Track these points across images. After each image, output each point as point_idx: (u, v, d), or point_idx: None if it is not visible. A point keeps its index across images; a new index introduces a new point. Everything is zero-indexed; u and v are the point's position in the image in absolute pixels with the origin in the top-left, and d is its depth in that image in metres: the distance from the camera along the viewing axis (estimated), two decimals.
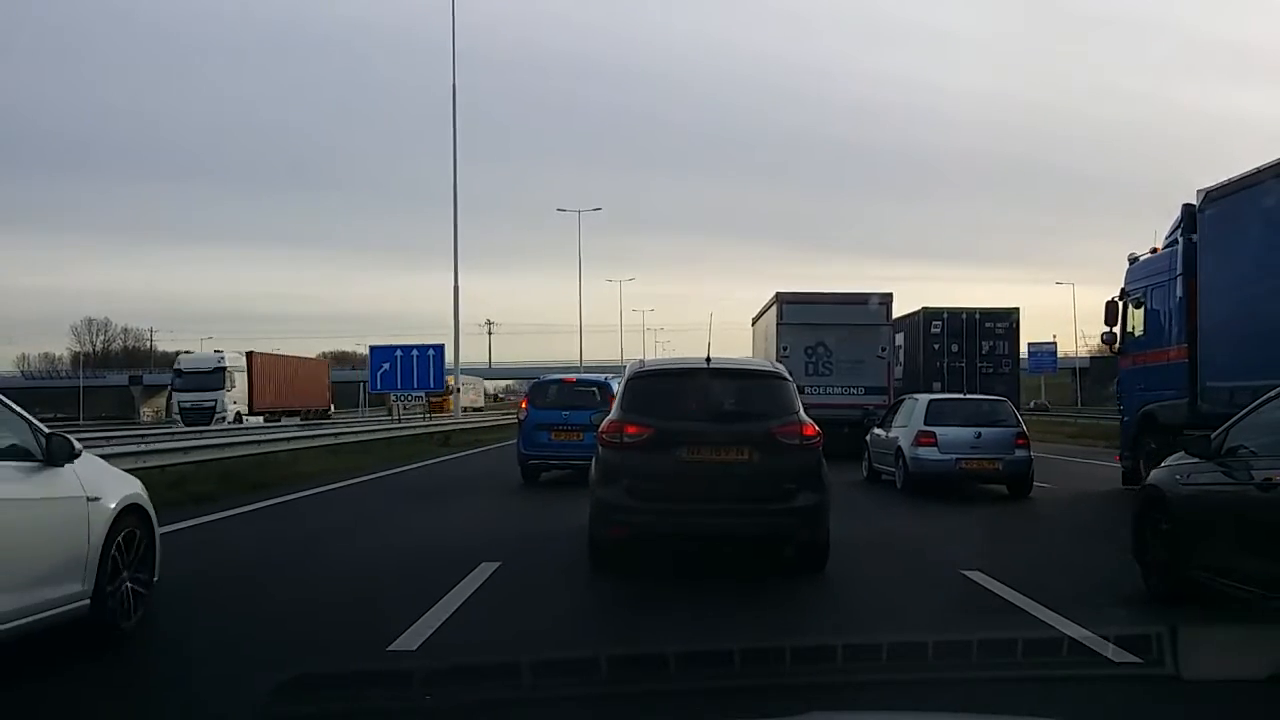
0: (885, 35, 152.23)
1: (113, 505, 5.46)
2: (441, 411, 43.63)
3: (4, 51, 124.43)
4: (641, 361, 9.35)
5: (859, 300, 22.23)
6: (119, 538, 5.44)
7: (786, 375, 8.44)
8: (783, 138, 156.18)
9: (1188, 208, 13.65)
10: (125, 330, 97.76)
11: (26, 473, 4.99)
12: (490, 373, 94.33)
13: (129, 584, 5.51)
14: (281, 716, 3.72)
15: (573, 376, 18.92)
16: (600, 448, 7.89)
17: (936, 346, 24.23)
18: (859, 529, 9.98)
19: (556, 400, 15.90)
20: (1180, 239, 13.99)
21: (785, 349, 21.53)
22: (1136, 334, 15.56)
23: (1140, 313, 15.45)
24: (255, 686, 4.13)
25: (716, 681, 4.14)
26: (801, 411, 7.88)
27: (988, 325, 24.39)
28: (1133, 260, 15.95)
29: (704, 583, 7.47)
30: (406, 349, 31.77)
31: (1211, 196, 13.07)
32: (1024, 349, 37.14)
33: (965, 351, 24.12)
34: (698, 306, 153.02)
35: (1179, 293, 13.94)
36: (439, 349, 32.11)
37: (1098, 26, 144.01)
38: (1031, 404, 50.75)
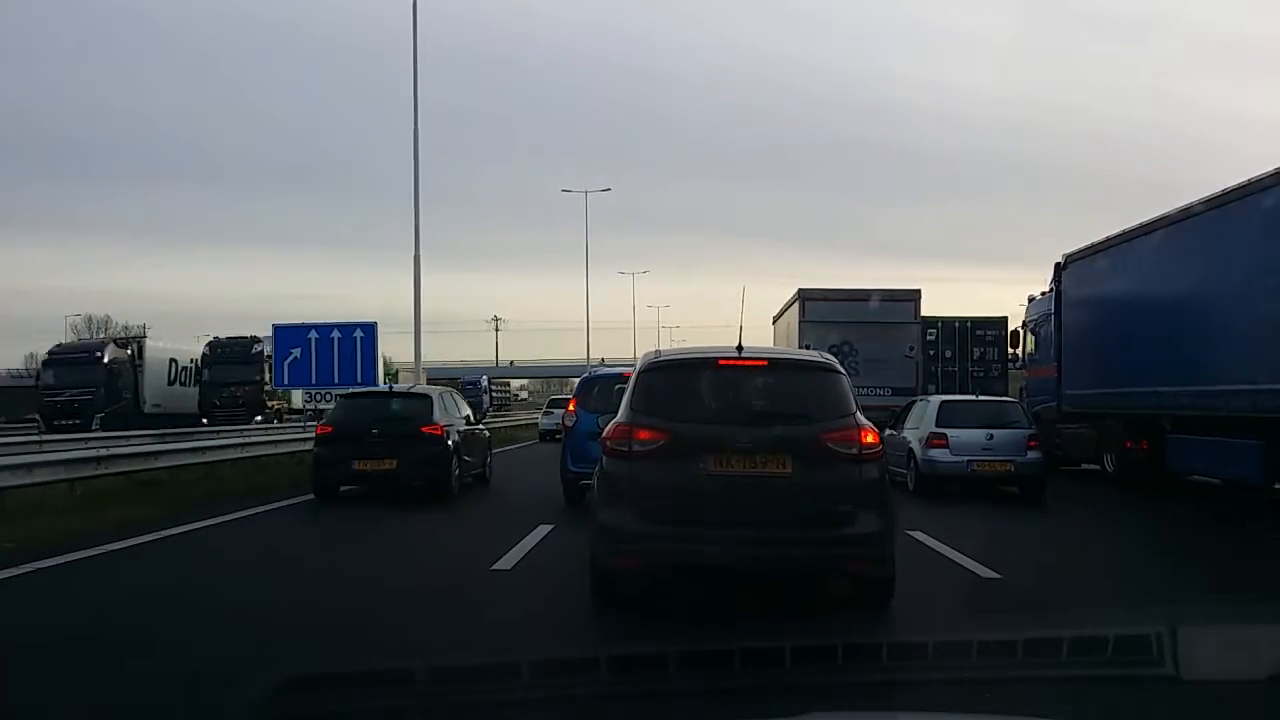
0: (891, 35, 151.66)
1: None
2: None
3: (4, 52, 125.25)
4: (657, 351, 7.49)
5: (885, 297, 21.84)
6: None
7: (839, 367, 6.93)
8: (793, 137, 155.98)
9: (1057, 264, 18.65)
10: (125, 328, 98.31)
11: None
12: (497, 372, 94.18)
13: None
14: (281, 717, 3.75)
15: (631, 371, 15.26)
16: (605, 457, 6.52)
17: (931, 352, 25.10)
18: None
19: (613, 402, 11.60)
20: (1054, 286, 18.87)
21: (807, 348, 21.13)
22: (1032, 355, 20.69)
23: (1034, 339, 20.54)
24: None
25: (716, 682, 4.15)
26: (859, 413, 6.49)
27: (979, 333, 26.16)
28: (1031, 299, 20.95)
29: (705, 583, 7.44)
30: (325, 329, 23.54)
31: (1070, 258, 18.28)
32: None
33: (958, 357, 25.88)
34: (715, 307, 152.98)
35: (1053, 326, 18.84)
36: (369, 329, 23.65)
37: (1100, 25, 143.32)
38: None
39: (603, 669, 4.39)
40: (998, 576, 7.89)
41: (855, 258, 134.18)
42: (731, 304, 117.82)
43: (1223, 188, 13.29)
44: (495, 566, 8.19)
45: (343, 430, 14.05)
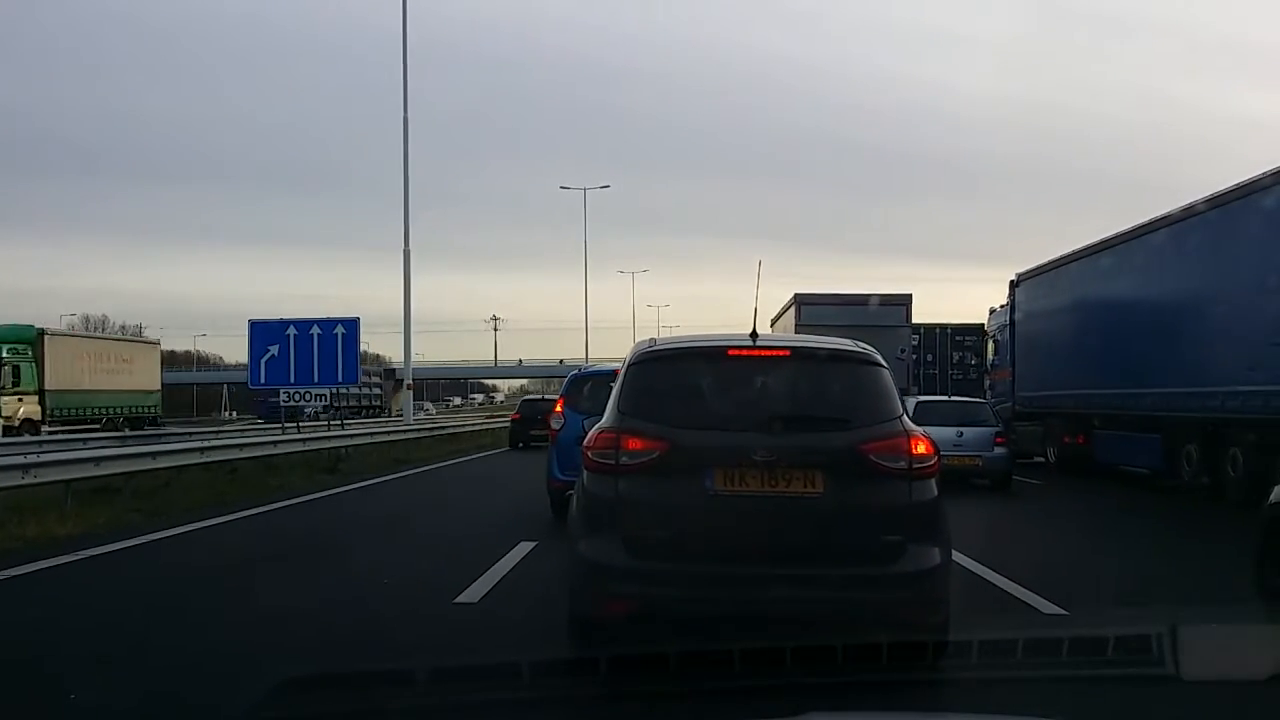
0: (890, 34, 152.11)
1: None
2: None
3: (6, 54, 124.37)
4: (652, 340, 5.96)
5: (877, 301, 22.75)
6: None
7: (879, 359, 5.54)
8: (794, 138, 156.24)
9: (1011, 281, 21.34)
10: (123, 328, 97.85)
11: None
12: (496, 371, 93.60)
13: None
14: (280, 717, 3.71)
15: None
16: (586, 472, 5.22)
17: (914, 357, 26.30)
18: None
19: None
20: (1009, 300, 21.62)
21: None
22: (993, 360, 23.39)
23: (995, 346, 23.29)
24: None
25: (716, 682, 4.14)
26: (906, 417, 5.30)
27: (958, 339, 28.17)
28: (992, 311, 23.71)
29: None
30: (304, 325, 22.26)
31: (1020, 276, 21.15)
32: None
33: (938, 361, 27.77)
34: (715, 307, 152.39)
35: (1008, 336, 21.61)
36: (351, 325, 22.55)
37: (1100, 26, 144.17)
38: None
39: (603, 669, 4.36)
40: (1063, 613, 6.43)
41: (855, 258, 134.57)
42: (732, 304, 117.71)
43: (1136, 223, 15.95)
44: (459, 599, 6.82)
45: (525, 416, 26.88)
